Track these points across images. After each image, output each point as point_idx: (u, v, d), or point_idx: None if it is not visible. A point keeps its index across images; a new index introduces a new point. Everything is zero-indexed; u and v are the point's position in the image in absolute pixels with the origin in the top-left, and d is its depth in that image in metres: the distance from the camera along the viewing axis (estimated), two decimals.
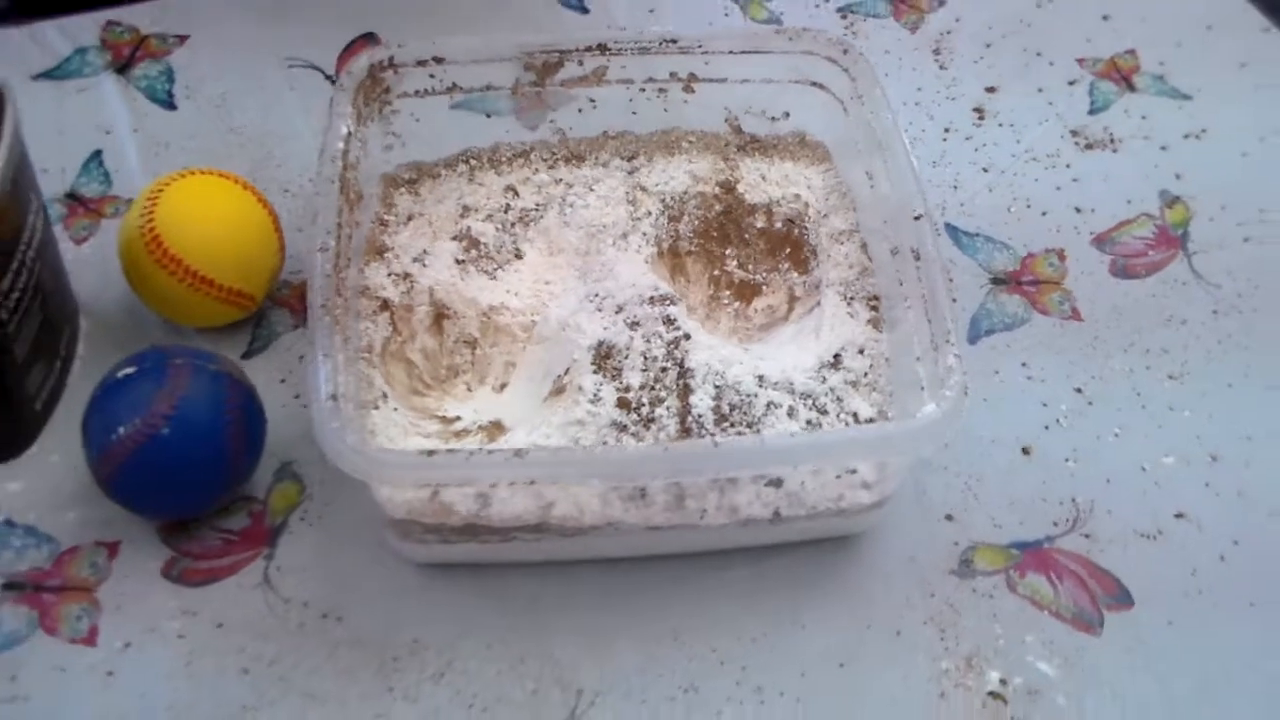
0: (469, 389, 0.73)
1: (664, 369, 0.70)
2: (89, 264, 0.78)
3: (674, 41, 0.78)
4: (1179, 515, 0.73)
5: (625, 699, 0.65)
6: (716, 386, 0.70)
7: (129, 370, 0.66)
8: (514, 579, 0.69)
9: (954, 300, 0.73)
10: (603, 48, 0.77)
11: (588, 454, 0.65)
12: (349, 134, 0.72)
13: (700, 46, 0.78)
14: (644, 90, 0.79)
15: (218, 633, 0.66)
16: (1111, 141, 0.90)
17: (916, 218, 0.70)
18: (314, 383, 0.62)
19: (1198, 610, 0.70)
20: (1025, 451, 0.75)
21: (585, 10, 0.96)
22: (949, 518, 0.72)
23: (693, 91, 0.79)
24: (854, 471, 0.66)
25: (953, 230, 0.84)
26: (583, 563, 0.69)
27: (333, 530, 0.70)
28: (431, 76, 0.76)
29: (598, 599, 0.68)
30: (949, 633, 0.68)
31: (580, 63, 0.78)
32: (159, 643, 0.66)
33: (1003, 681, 0.67)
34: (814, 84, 0.79)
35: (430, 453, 0.61)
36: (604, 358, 0.70)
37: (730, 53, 0.78)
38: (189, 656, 0.65)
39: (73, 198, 0.81)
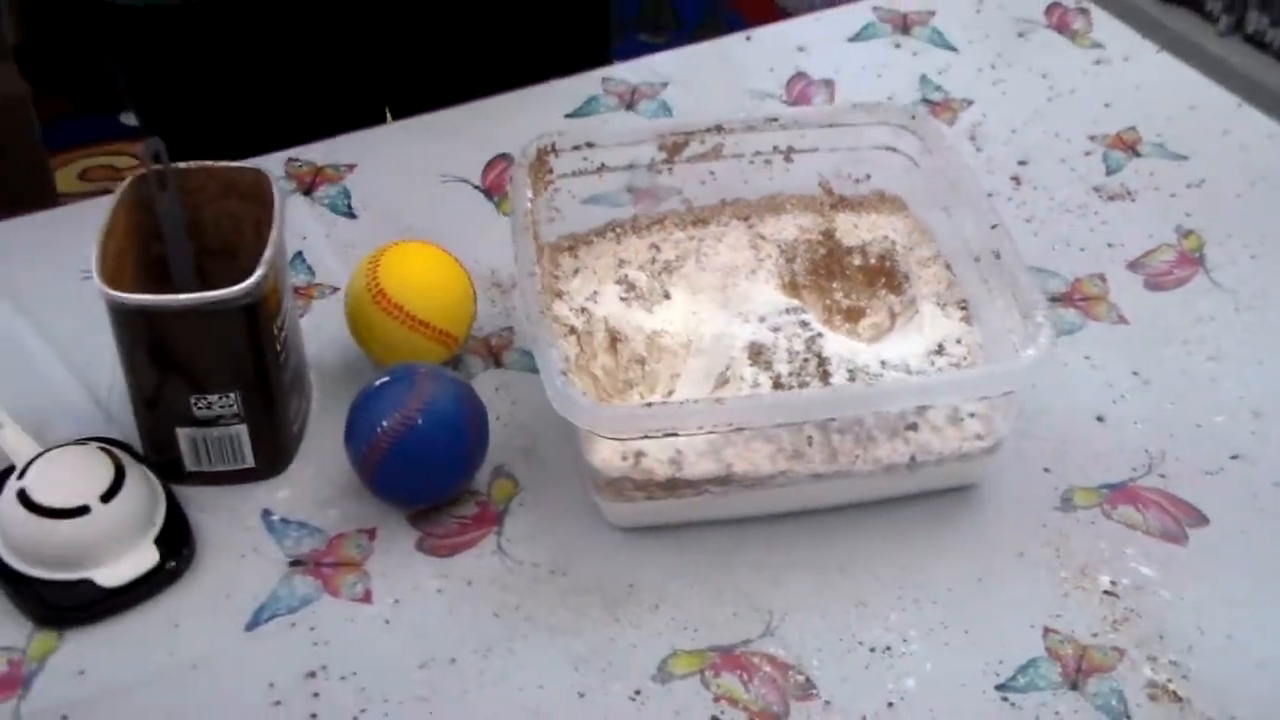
0: (642, 397, 0.89)
1: (805, 360, 0.86)
2: (307, 333, 0.94)
3: (775, 120, 0.96)
4: (1234, 457, 0.89)
5: (809, 614, 0.80)
6: (849, 370, 0.86)
7: (384, 379, 0.82)
8: (703, 536, 0.83)
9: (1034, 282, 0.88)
10: (719, 128, 0.96)
11: (774, 397, 0.81)
12: (531, 198, 0.90)
13: (796, 123, 0.96)
14: (752, 162, 0.97)
15: (469, 588, 0.80)
16: (1128, 194, 1.08)
17: (993, 226, 0.88)
18: (546, 363, 0.78)
19: (1263, 523, 0.85)
20: (1100, 419, 0.91)
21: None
22: (1046, 470, 0.88)
23: (791, 161, 0.97)
24: (972, 415, 0.82)
25: None
26: (758, 520, 0.84)
27: (547, 510, 0.85)
28: (584, 159, 0.94)
29: (773, 546, 0.83)
30: (1062, 551, 0.83)
31: (702, 141, 0.96)
32: (422, 597, 0.80)
33: (1113, 583, 0.81)
34: (888, 148, 0.97)
35: (649, 404, 0.76)
36: (756, 354, 0.86)
37: (819, 126, 0.97)
38: (449, 605, 0.79)
39: None
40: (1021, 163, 1.12)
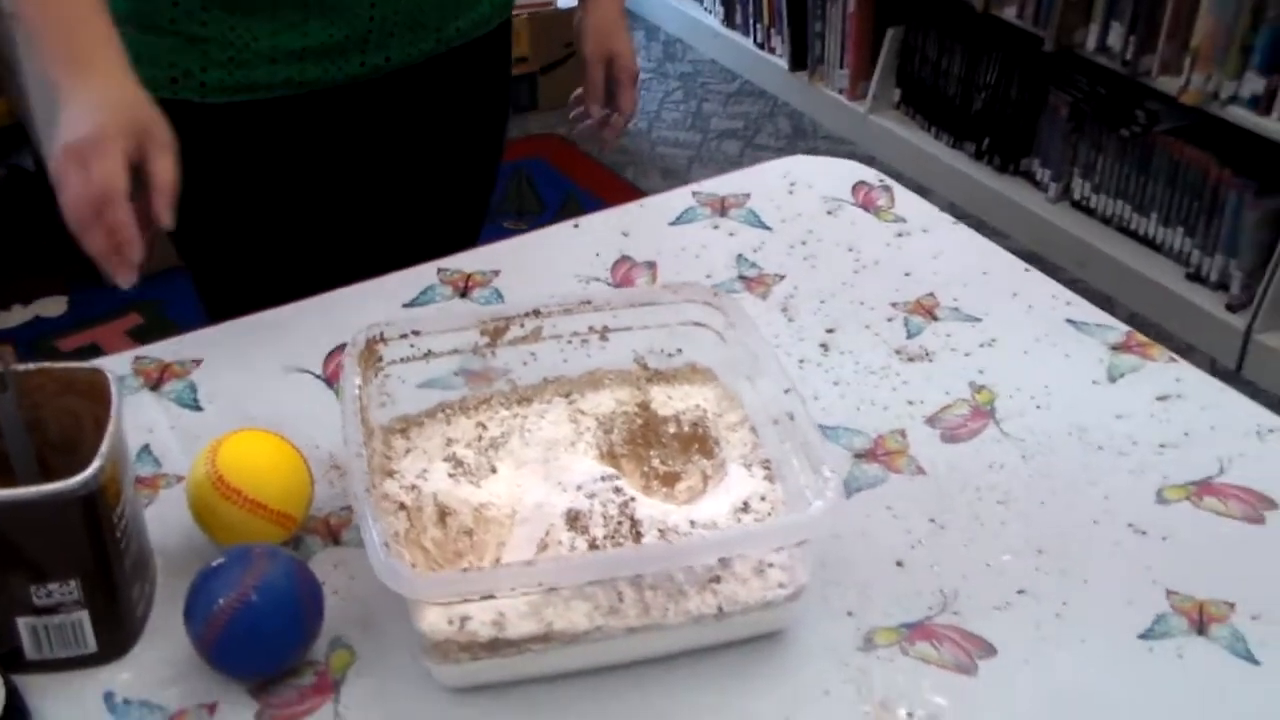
0: (471, 566, 0.94)
1: (619, 522, 0.92)
2: (153, 521, 0.99)
3: (588, 302, 1.04)
4: (1020, 591, 0.96)
5: None
6: (660, 530, 0.92)
7: (221, 560, 0.87)
8: (528, 693, 0.89)
9: (823, 440, 0.95)
10: (537, 312, 1.03)
11: (581, 557, 0.87)
12: (360, 384, 0.96)
13: (609, 304, 1.04)
14: (570, 342, 1.05)
15: None
16: (927, 355, 1.18)
17: (786, 391, 0.96)
18: (369, 537, 0.83)
19: (1045, 650, 0.92)
20: (899, 564, 0.98)
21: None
22: (850, 614, 0.95)
23: (607, 340, 1.05)
24: (771, 565, 0.89)
25: (820, 427, 1.09)
26: (579, 675, 0.89)
27: (381, 677, 0.89)
28: (411, 346, 1.01)
29: (594, 699, 0.88)
30: (863, 687, 0.89)
31: (522, 325, 1.03)
32: None
33: (909, 714, 0.88)
34: (696, 324, 1.05)
35: (465, 569, 0.82)
36: (574, 520, 0.93)
37: (631, 306, 1.05)
38: None
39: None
40: (830, 330, 1.21)
